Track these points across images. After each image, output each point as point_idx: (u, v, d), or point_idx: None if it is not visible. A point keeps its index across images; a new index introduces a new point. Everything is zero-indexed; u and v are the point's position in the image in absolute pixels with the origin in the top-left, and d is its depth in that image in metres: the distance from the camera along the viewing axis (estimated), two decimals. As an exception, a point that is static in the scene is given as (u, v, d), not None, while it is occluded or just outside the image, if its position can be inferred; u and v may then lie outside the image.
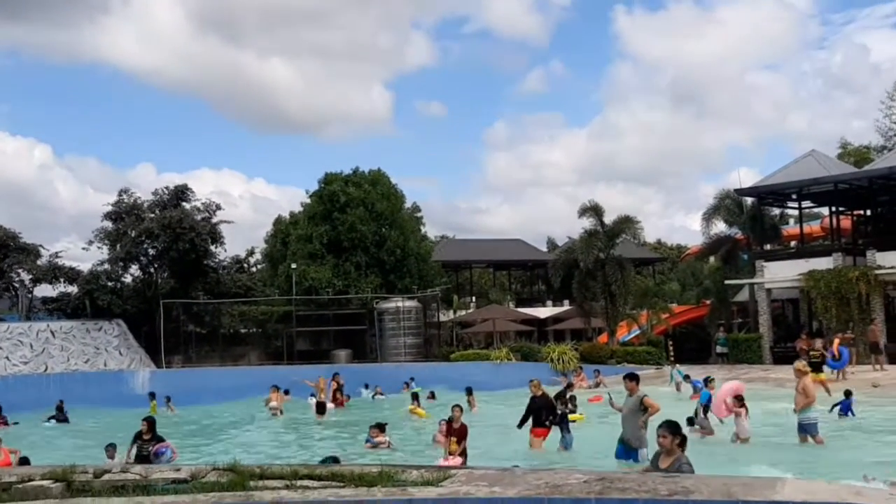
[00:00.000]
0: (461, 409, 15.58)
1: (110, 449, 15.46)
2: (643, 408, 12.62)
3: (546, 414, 16.33)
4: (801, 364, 15.89)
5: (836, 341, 27.00)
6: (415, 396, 25.09)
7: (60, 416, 26.50)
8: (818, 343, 25.21)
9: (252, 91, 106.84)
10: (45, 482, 6.23)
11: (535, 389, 16.92)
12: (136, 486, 6.04)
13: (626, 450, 12.82)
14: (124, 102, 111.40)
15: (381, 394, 30.79)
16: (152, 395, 27.87)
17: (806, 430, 14.97)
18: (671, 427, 8.60)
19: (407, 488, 5.54)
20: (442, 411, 19.61)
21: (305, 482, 5.90)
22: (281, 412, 25.08)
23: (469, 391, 25.11)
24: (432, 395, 28.02)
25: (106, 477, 6.33)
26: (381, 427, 17.91)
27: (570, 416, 20.21)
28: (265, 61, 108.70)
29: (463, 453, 14.53)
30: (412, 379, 32.46)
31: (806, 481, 5.34)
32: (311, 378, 29.34)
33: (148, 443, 14.76)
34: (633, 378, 13.31)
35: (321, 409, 24.90)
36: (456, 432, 14.85)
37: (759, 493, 5.03)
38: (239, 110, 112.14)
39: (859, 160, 44.90)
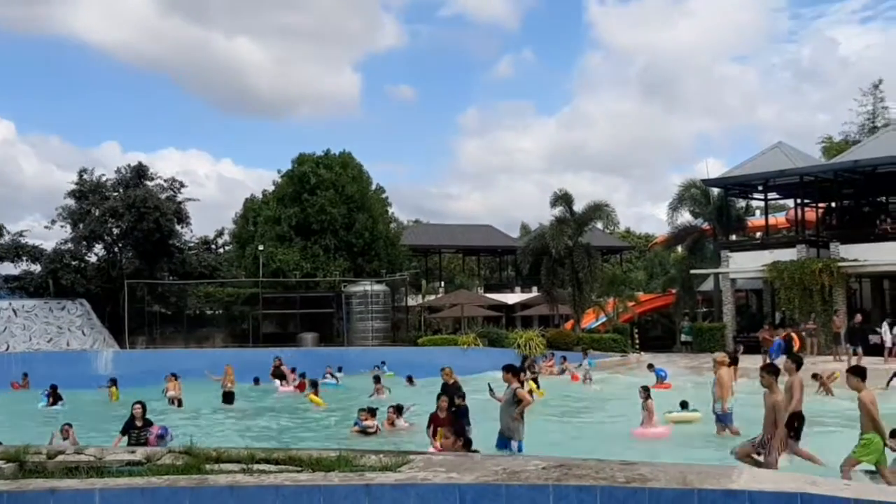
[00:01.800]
0: (447, 400, 14.65)
1: (67, 428, 14.69)
2: (516, 400, 12.66)
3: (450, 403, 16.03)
4: (719, 356, 16.12)
5: (783, 333, 27.33)
6: (313, 384, 24.21)
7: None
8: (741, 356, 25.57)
9: (220, 71, 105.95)
10: (-4, 462, 6.11)
11: (446, 377, 16.46)
12: (89, 468, 5.94)
13: (503, 441, 12.83)
14: (89, 79, 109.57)
15: (334, 375, 29.60)
16: (113, 381, 25.63)
17: (722, 419, 15.12)
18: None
19: (365, 473, 5.50)
20: (421, 397, 19.39)
21: (262, 466, 5.84)
22: (180, 402, 23.04)
23: (377, 379, 25.04)
24: (410, 380, 27.34)
25: (59, 458, 6.23)
26: (371, 411, 17.11)
27: (536, 392, 20.56)
28: (232, 41, 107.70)
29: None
30: (383, 363, 32.33)
31: (763, 471, 5.36)
32: (217, 372, 27.62)
33: (143, 429, 14.07)
34: (508, 369, 13.24)
35: (228, 398, 23.35)
36: (445, 421, 13.99)
37: (715, 482, 5.05)
38: (206, 90, 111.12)
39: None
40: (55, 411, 22.62)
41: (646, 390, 16.39)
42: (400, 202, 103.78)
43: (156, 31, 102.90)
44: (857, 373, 10.80)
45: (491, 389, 14.60)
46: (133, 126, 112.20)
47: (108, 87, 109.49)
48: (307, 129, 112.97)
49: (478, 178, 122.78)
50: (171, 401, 22.95)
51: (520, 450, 12.14)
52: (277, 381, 27.69)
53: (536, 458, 5.85)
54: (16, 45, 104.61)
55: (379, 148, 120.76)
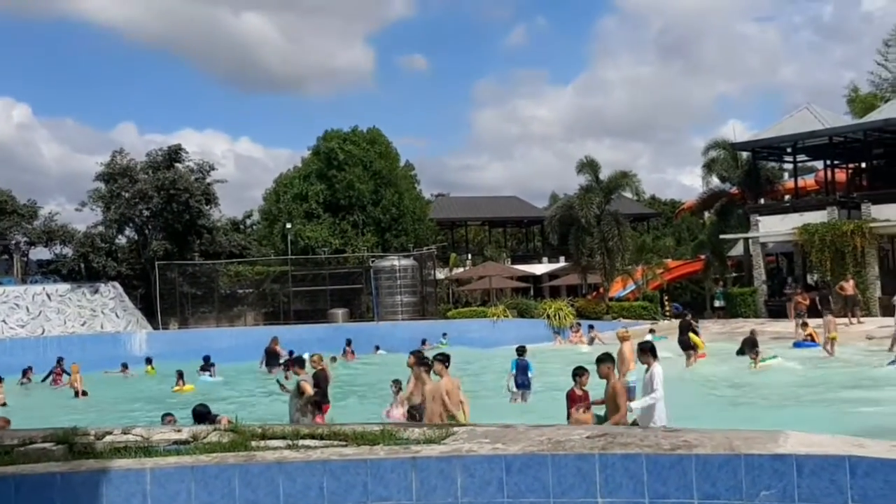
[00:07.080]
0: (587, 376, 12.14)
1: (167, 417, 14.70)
2: (300, 392, 12.42)
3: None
4: (622, 331, 16.29)
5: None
6: (179, 375, 23.19)
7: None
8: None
9: (230, 48, 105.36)
10: (46, 444, 6.22)
11: (315, 364, 15.64)
12: (137, 448, 6.03)
13: None
14: (100, 59, 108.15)
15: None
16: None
17: None
18: None
19: (410, 446, 5.55)
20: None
21: (307, 441, 5.90)
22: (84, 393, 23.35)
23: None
24: (334, 360, 25.69)
25: (108, 439, 6.33)
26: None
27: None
28: (240, 17, 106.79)
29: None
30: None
31: (809, 434, 5.35)
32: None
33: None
34: (295, 363, 13.31)
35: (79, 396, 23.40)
36: (582, 399, 11.40)
37: (762, 447, 5.05)
38: (219, 69, 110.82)
39: (868, 108, 44.12)
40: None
41: (396, 384, 16.04)
42: (420, 175, 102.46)
43: (163, 7, 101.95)
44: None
45: (280, 384, 14.85)
46: (148, 107, 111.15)
47: (120, 68, 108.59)
48: (322, 104, 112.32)
49: (496, 148, 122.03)
50: (76, 393, 23.27)
51: None
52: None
53: (581, 427, 5.86)
54: (24, 29, 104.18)
55: (395, 121, 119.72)
